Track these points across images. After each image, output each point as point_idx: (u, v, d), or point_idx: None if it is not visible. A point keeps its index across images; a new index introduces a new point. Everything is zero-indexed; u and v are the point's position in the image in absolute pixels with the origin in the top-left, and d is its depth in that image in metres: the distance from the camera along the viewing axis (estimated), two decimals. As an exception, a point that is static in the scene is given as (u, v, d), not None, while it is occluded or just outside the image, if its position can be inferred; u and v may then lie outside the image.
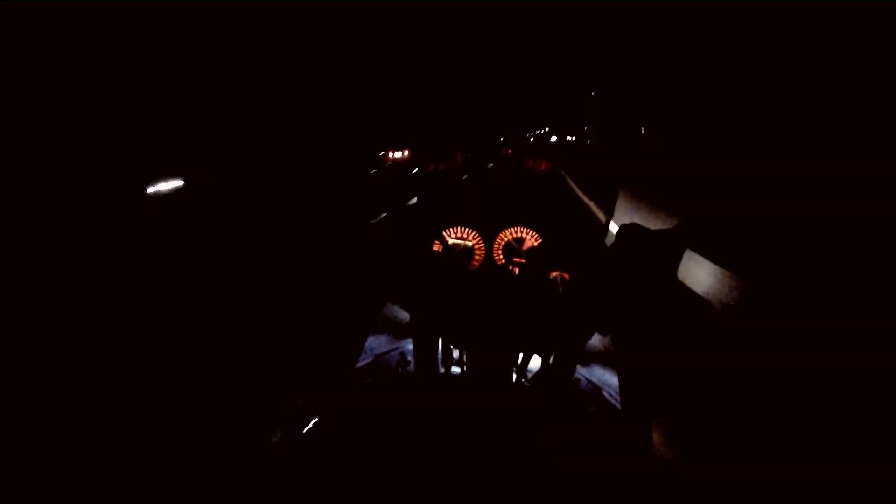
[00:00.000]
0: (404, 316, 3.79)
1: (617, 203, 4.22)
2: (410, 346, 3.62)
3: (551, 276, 3.40)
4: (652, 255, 3.68)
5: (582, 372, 3.73)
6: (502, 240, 3.48)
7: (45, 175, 3.13)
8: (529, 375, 3.63)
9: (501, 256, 3.49)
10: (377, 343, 3.72)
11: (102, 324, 2.97)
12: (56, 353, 2.77)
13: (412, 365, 3.58)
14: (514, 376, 3.55)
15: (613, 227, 3.99)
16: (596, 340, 3.79)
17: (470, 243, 3.49)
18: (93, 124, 3.30)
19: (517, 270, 3.45)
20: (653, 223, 3.80)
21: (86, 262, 3.08)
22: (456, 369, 3.58)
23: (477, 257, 3.50)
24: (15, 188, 3.00)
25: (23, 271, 2.89)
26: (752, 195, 3.69)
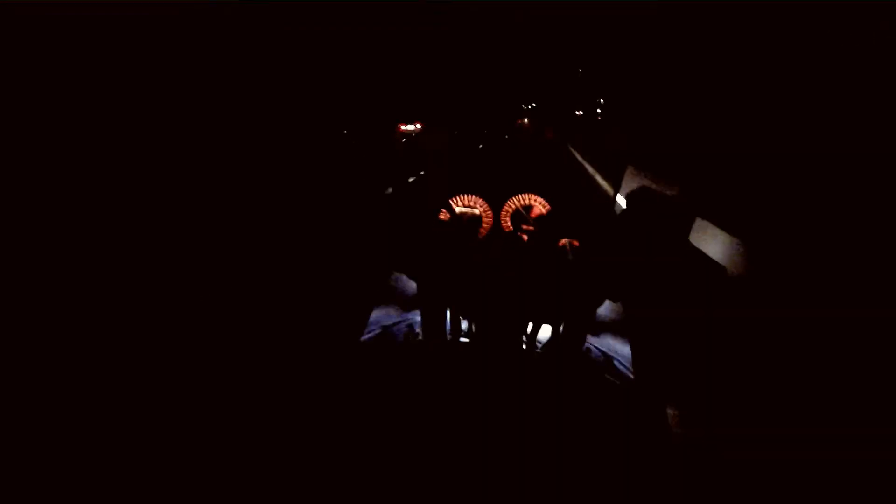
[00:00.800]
0: (412, 286, 3.75)
1: (625, 175, 4.16)
2: (419, 318, 3.58)
3: (560, 244, 3.35)
4: (662, 220, 3.61)
5: (592, 341, 3.69)
6: (510, 207, 3.42)
7: (45, 175, 3.09)
8: (540, 345, 3.60)
9: (510, 224, 3.43)
10: (384, 314, 3.68)
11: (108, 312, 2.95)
12: (58, 351, 2.75)
13: (420, 336, 3.55)
14: (525, 346, 3.51)
15: (621, 199, 3.93)
16: (607, 309, 3.75)
17: (477, 211, 3.43)
18: (93, 124, 3.25)
19: (526, 238, 3.39)
20: (663, 189, 3.74)
21: (89, 260, 3.06)
22: (465, 340, 3.55)
23: (485, 225, 3.45)
24: (15, 188, 2.97)
25: (23, 271, 2.86)
26: (766, 165, 3.61)
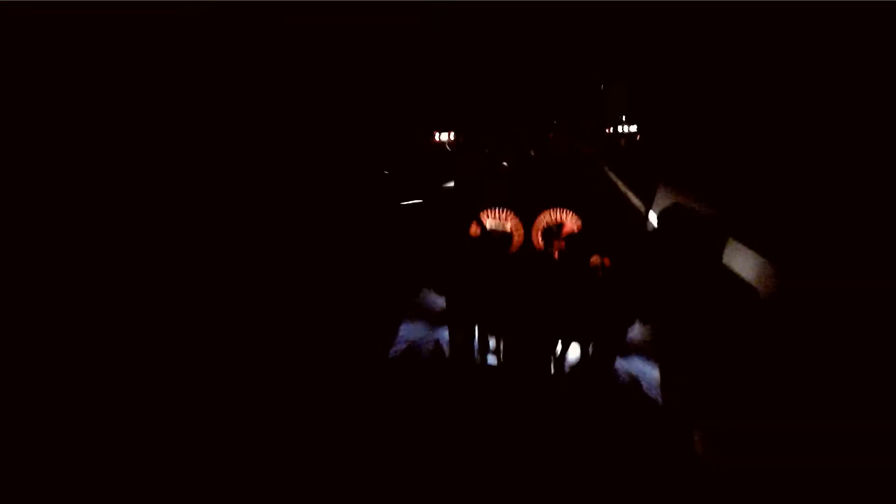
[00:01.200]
0: (440, 302, 3.72)
1: (657, 194, 4.09)
2: (446, 335, 3.55)
3: (591, 262, 3.29)
4: (695, 241, 3.54)
5: (621, 363, 3.60)
6: (542, 223, 3.38)
7: (44, 175, 3.15)
8: (568, 366, 3.52)
9: (540, 240, 3.39)
10: (412, 330, 3.66)
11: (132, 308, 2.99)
12: (67, 347, 2.77)
13: (447, 354, 3.51)
14: (553, 368, 3.44)
15: (653, 217, 3.87)
16: (636, 331, 3.66)
17: (508, 226, 3.40)
18: (93, 124, 3.32)
19: (557, 254, 3.35)
20: (695, 208, 3.67)
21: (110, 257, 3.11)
22: (492, 359, 3.49)
23: (516, 241, 3.41)
24: (15, 188, 3.03)
25: (24, 271, 2.91)
26: (798, 185, 3.53)
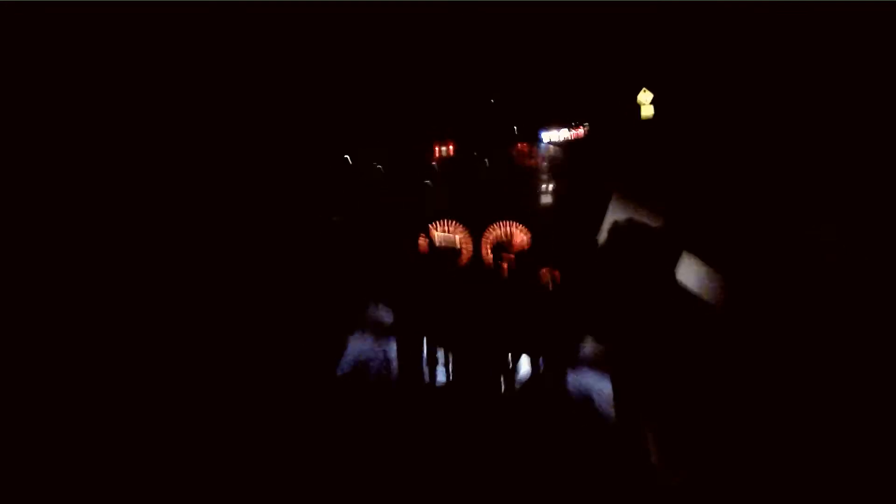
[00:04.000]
0: (388, 316, 3.63)
1: (610, 203, 4.10)
2: (395, 348, 3.46)
3: (541, 274, 3.26)
4: (647, 254, 3.54)
5: (573, 377, 3.58)
6: (490, 235, 3.34)
7: (44, 175, 3.04)
8: (518, 381, 3.48)
9: (490, 253, 3.34)
10: (361, 345, 3.55)
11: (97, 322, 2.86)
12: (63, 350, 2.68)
13: (395, 371, 3.42)
14: (503, 384, 3.39)
15: (606, 226, 3.87)
16: (587, 345, 3.65)
17: (457, 239, 3.34)
18: (93, 123, 3.19)
19: (506, 267, 3.31)
20: (647, 221, 3.68)
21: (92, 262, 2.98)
22: (441, 373, 3.41)
23: (464, 254, 3.35)
24: (15, 188, 2.93)
25: (25, 270, 2.81)
26: (753, 196, 3.58)
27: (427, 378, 3.33)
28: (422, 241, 3.32)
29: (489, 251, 3.34)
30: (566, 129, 4.66)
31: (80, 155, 3.14)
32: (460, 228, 3.34)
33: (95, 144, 3.20)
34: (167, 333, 2.93)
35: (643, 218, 3.77)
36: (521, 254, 3.28)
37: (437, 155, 4.37)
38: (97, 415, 2.58)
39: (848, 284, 2.87)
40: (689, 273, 3.44)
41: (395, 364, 3.41)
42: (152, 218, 3.22)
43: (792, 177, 3.33)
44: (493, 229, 3.33)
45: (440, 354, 3.40)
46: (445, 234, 3.33)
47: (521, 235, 3.31)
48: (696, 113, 3.96)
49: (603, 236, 3.72)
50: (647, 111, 4.41)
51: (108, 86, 3.28)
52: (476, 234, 3.34)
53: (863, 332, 2.68)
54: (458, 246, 3.34)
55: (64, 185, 3.03)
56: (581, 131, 4.61)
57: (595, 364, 3.54)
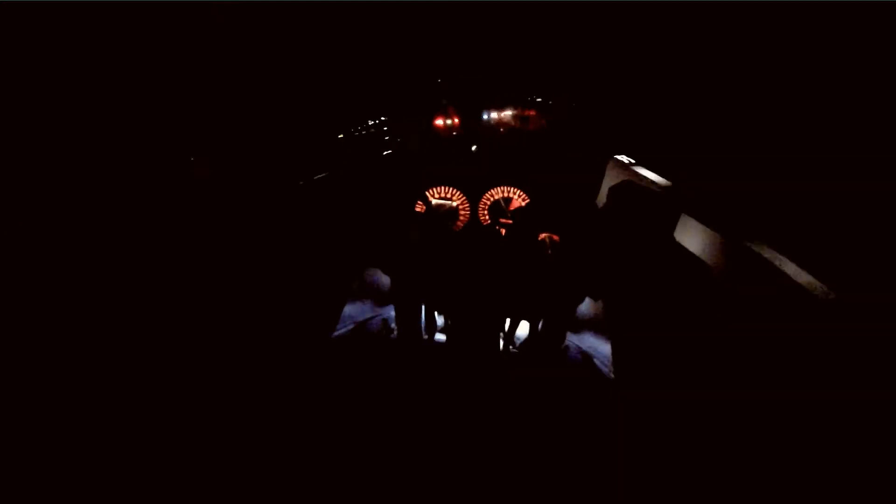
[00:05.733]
0: (386, 281, 3.61)
1: (607, 168, 4.06)
2: (393, 313, 3.46)
3: (540, 238, 3.24)
4: (645, 216, 3.52)
5: (572, 339, 3.60)
6: (488, 199, 3.29)
7: (44, 175, 3.00)
8: (518, 343, 3.50)
9: (487, 217, 3.31)
10: (358, 310, 3.54)
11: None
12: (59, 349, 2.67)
13: (395, 332, 3.42)
14: (502, 343, 3.41)
15: (604, 190, 3.83)
16: (587, 306, 3.66)
17: (454, 203, 3.30)
18: (93, 123, 3.13)
19: (504, 231, 3.28)
20: (646, 184, 3.64)
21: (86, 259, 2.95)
22: (441, 336, 3.43)
23: (462, 218, 3.32)
24: (15, 188, 2.89)
25: (25, 270, 2.77)
26: (751, 160, 3.54)
27: (426, 339, 3.35)
28: (419, 206, 3.28)
29: (486, 215, 3.31)
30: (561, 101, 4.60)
31: (73, 147, 3.11)
32: (457, 193, 3.29)
33: (82, 132, 3.16)
34: (161, 298, 2.92)
35: (642, 181, 3.73)
36: (519, 217, 3.25)
37: (442, 125, 4.30)
38: (81, 388, 2.57)
39: (850, 244, 2.85)
40: (689, 235, 3.43)
41: (393, 325, 3.43)
42: (144, 187, 3.18)
43: (793, 135, 3.29)
44: (491, 193, 3.28)
45: (439, 319, 3.41)
46: (442, 198, 3.29)
47: (518, 199, 3.27)
48: (693, 73, 3.88)
49: (602, 200, 3.69)
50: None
51: (102, 78, 3.23)
52: (473, 199, 3.30)
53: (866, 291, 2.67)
54: (455, 209, 3.31)
55: (61, 181, 3.01)
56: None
57: (596, 326, 3.55)
